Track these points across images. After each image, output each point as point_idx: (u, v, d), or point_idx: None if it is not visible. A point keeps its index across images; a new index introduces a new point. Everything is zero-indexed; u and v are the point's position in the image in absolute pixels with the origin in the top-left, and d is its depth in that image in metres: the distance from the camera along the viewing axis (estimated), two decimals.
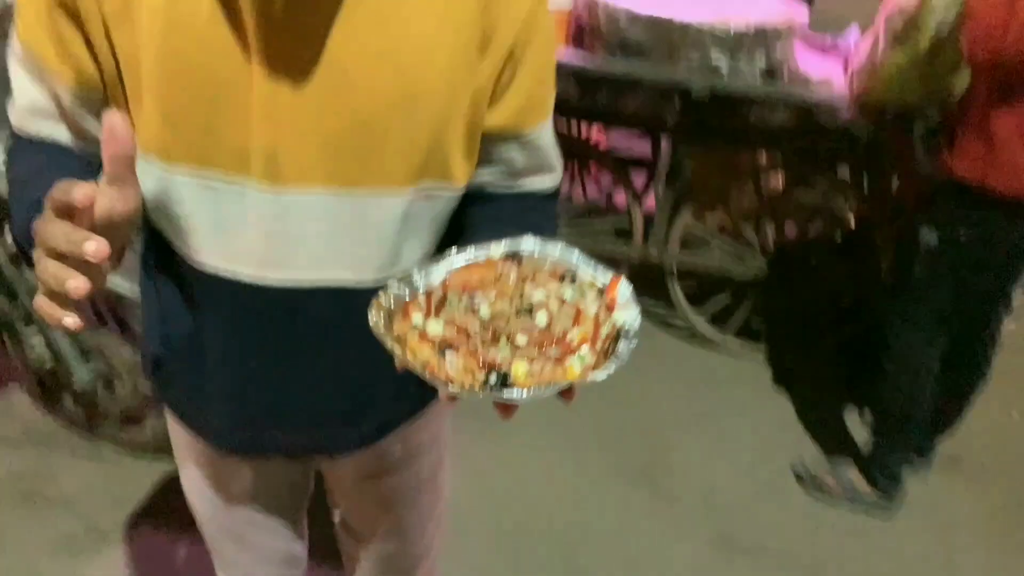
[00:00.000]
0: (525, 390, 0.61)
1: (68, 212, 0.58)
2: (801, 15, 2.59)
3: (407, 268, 0.81)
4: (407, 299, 0.70)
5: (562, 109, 2.69)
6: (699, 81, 2.46)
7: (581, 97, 2.59)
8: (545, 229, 0.83)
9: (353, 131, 0.77)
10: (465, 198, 0.89)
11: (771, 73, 2.54)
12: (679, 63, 2.50)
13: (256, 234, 0.80)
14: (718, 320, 3.04)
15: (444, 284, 0.72)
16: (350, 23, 0.74)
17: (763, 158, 2.86)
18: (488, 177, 0.89)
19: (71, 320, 0.60)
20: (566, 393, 0.63)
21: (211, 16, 0.73)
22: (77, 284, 0.57)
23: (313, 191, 0.78)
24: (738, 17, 2.43)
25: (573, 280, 0.72)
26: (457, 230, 0.90)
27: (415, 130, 0.78)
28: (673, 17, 2.46)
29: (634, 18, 2.49)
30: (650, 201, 3.45)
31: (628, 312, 0.68)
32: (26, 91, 0.81)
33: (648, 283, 3.16)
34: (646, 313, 3.17)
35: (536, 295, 0.70)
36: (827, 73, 2.63)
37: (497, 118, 0.84)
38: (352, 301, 0.81)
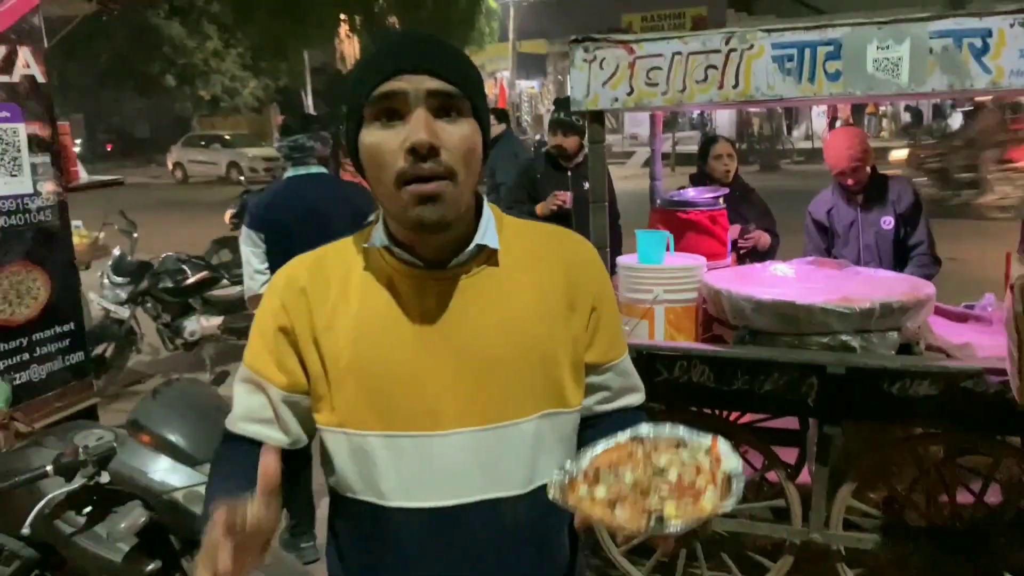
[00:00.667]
0: (679, 523, 0.87)
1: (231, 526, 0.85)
2: (929, 289, 2.65)
3: (544, 480, 1.06)
4: (571, 479, 0.96)
5: (700, 397, 2.80)
6: (833, 359, 2.51)
7: (719, 384, 2.68)
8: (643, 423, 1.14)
9: (489, 383, 1.09)
10: (582, 423, 1.21)
11: (906, 347, 2.56)
12: (809, 344, 2.57)
13: (430, 470, 1.08)
14: None
15: (593, 466, 0.97)
16: (479, 308, 1.10)
17: (917, 429, 2.76)
18: (594, 401, 1.23)
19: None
20: (705, 527, 0.92)
21: (390, 319, 1.09)
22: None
23: (466, 431, 1.08)
24: (860, 296, 2.52)
25: (685, 446, 0.96)
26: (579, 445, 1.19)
27: (532, 372, 1.11)
28: (796, 299, 2.57)
29: (758, 304, 2.62)
30: (805, 476, 3.34)
31: (732, 461, 0.93)
32: (244, 401, 1.14)
33: (817, 569, 2.98)
34: None
35: (661, 460, 0.95)
36: (967, 339, 2.62)
37: (594, 353, 1.20)
38: (505, 508, 1.11)
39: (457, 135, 1.04)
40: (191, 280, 5.64)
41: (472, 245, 1.10)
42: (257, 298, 2.95)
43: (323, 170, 3.44)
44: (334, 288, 1.12)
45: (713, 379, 2.68)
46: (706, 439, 0.97)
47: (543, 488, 1.07)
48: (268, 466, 0.90)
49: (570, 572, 1.25)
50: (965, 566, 2.65)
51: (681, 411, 2.90)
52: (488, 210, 1.15)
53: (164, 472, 2.04)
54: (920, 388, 2.46)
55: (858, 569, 2.79)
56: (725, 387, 2.68)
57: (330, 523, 1.23)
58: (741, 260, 3.72)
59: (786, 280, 2.89)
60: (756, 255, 3.90)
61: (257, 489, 0.88)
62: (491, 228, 1.12)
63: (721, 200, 3.48)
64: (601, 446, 1.00)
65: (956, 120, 25.81)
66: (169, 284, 5.60)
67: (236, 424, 1.15)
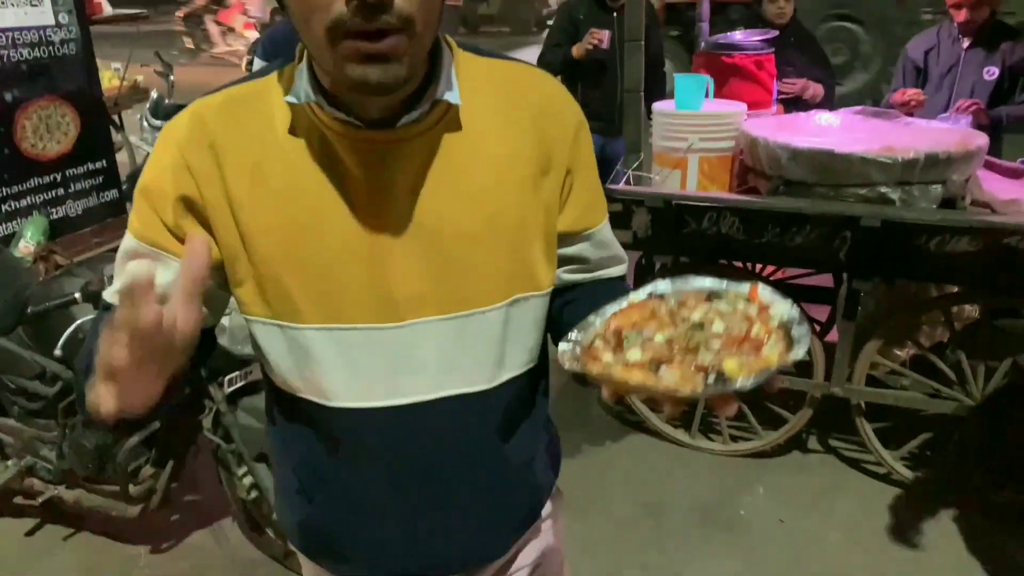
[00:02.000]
0: (746, 378, 0.69)
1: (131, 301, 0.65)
2: (980, 140, 2.48)
3: (514, 372, 0.97)
4: (585, 347, 0.80)
5: (729, 250, 2.73)
6: (868, 211, 2.40)
7: (748, 237, 2.61)
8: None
9: (451, 264, 0.90)
10: (554, 296, 1.02)
11: (950, 201, 2.44)
12: (846, 196, 2.46)
13: (383, 367, 0.92)
14: (916, 461, 2.80)
15: (608, 328, 0.80)
16: (437, 176, 0.89)
17: (952, 287, 2.68)
18: (568, 275, 1.05)
19: (107, 407, 0.69)
20: (773, 383, 0.71)
21: (327, 191, 0.87)
22: (118, 353, 0.66)
23: (425, 321, 0.91)
24: (904, 146, 2.38)
25: (719, 297, 0.80)
26: (551, 324, 1.03)
27: (499, 251, 0.92)
28: (835, 148, 2.44)
29: (795, 152, 2.50)
30: (834, 334, 3.31)
31: (782, 307, 0.78)
32: (132, 271, 0.88)
33: (837, 421, 3.01)
34: (837, 454, 3.00)
35: (695, 315, 0.78)
36: (1014, 194, 2.48)
37: (567, 221, 1.00)
38: (470, 405, 0.95)
39: None
40: None
41: (426, 102, 0.86)
42: None
43: None
44: (254, 146, 0.88)
45: (742, 231, 2.61)
46: (742, 286, 0.81)
47: (511, 381, 0.98)
48: (196, 248, 0.68)
49: (543, 469, 1.11)
50: (987, 428, 2.64)
51: (709, 264, 2.85)
52: (446, 52, 0.90)
53: None
54: (959, 244, 2.36)
55: (878, 423, 2.80)
56: (755, 240, 2.61)
57: (268, 412, 1.06)
58: (788, 111, 3.53)
59: (829, 129, 2.74)
60: (804, 106, 3.69)
61: (181, 274, 0.68)
62: (451, 77, 0.89)
63: (770, 44, 3.27)
64: (611, 309, 0.84)
65: None
66: None
67: (116, 295, 0.90)
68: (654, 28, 4.21)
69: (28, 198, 2.98)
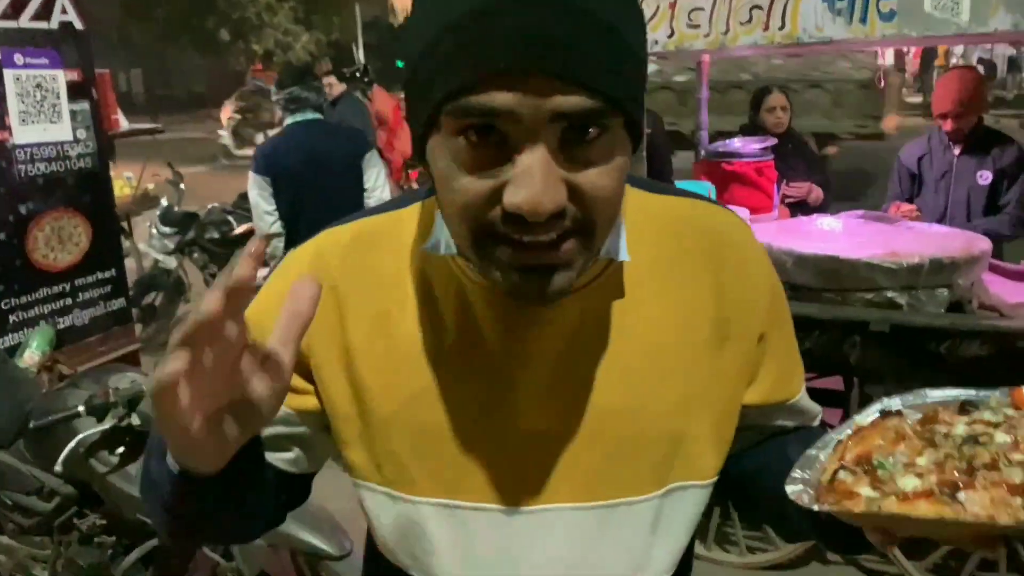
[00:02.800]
0: None
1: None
2: (984, 244, 2.51)
3: (656, 574, 0.81)
4: (827, 482, 0.65)
5: None
6: (877, 316, 2.40)
7: None
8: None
9: (596, 446, 0.76)
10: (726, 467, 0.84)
11: (957, 304, 2.44)
12: (853, 301, 2.47)
13: (503, 557, 0.78)
14: (942, 573, 2.70)
15: (850, 455, 0.66)
16: (589, 342, 0.75)
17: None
18: (750, 444, 0.87)
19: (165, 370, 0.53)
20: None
21: (459, 350, 0.75)
22: (174, 366, 0.52)
23: (557, 508, 0.77)
24: (909, 251, 2.40)
25: (976, 407, 0.66)
26: (730, 490, 0.87)
27: (658, 435, 0.77)
28: (839, 254, 2.46)
29: (800, 258, 2.52)
30: None
31: None
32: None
33: None
34: (858, 564, 2.89)
35: (958, 429, 0.64)
36: (1021, 298, 2.48)
37: (759, 392, 0.83)
38: None
39: (598, 182, 0.62)
40: (237, 231, 5.71)
41: (588, 264, 0.70)
42: (271, 237, 3.39)
43: (319, 116, 3.63)
44: (380, 293, 0.77)
45: None
46: (998, 392, 0.67)
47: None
48: (304, 287, 0.58)
49: None
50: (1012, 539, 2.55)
51: None
52: None
53: None
54: (970, 348, 2.35)
55: None
56: None
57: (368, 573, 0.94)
58: (794, 214, 3.58)
59: (832, 234, 2.76)
60: (806, 210, 3.76)
61: (282, 316, 0.58)
62: (620, 227, 0.72)
63: (769, 151, 3.35)
64: (833, 437, 0.70)
65: None
66: (215, 235, 5.67)
67: None
68: (664, 142, 4.36)
69: (37, 308, 3.00)
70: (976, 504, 0.57)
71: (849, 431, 0.70)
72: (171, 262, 5.59)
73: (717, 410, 0.79)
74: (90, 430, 2.13)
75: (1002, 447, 0.61)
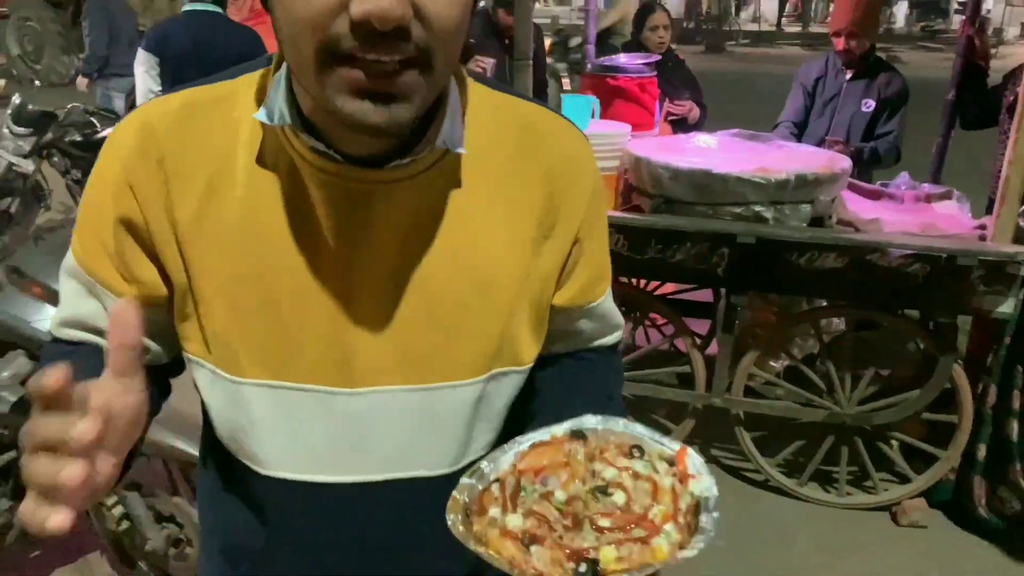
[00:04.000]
0: None
1: (54, 403, 0.52)
2: (845, 163, 2.65)
3: (478, 454, 0.82)
4: (480, 491, 0.69)
5: (614, 266, 2.79)
6: (744, 229, 2.52)
7: (632, 253, 2.68)
8: (613, 382, 0.91)
9: (430, 331, 0.77)
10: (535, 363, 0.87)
11: (818, 220, 2.58)
12: (723, 215, 2.57)
13: (329, 438, 0.79)
14: (792, 468, 2.95)
15: (515, 470, 0.70)
16: (423, 227, 0.76)
17: (821, 302, 2.84)
18: (559, 347, 0.89)
19: (60, 518, 0.51)
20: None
21: (290, 229, 0.74)
22: (71, 472, 0.51)
23: (386, 390, 0.78)
24: (777, 168, 2.51)
25: (641, 454, 0.70)
26: (523, 398, 0.88)
27: (487, 323, 0.79)
28: (712, 168, 2.55)
29: (675, 172, 2.59)
30: (714, 347, 3.44)
31: (703, 482, 0.66)
32: (72, 303, 0.79)
33: (716, 431, 3.13)
34: (718, 462, 3.11)
35: (608, 472, 0.68)
36: (875, 214, 2.65)
37: (565, 296, 0.85)
38: (425, 491, 0.80)
39: (443, 9, 0.63)
40: (102, 134, 5.32)
41: (424, 146, 0.72)
42: None
43: (218, 9, 3.70)
44: (208, 167, 0.74)
45: (627, 247, 2.68)
46: (671, 446, 0.70)
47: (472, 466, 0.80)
48: (123, 314, 0.57)
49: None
50: (852, 433, 2.80)
51: None
52: (454, 84, 0.75)
53: (48, 321, 1.94)
54: (826, 261, 2.51)
55: (755, 432, 2.92)
56: (639, 255, 2.68)
57: (202, 456, 0.93)
58: (675, 131, 3.66)
59: (707, 150, 2.85)
60: (685, 127, 3.85)
61: (110, 348, 0.57)
62: (458, 119, 0.74)
63: (652, 68, 3.39)
64: (529, 440, 0.73)
65: (902, 10, 25.76)
66: (78, 137, 5.26)
67: (61, 329, 0.80)
68: (541, 53, 4.32)
69: None
70: (538, 560, 0.61)
71: (545, 437, 0.73)
72: (28, 165, 5.16)
73: (535, 302, 0.82)
74: None
75: (609, 504, 0.65)
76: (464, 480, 0.70)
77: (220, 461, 0.86)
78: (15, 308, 1.95)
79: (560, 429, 0.73)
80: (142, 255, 0.76)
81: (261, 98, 0.75)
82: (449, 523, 0.64)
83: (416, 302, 0.77)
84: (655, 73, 3.37)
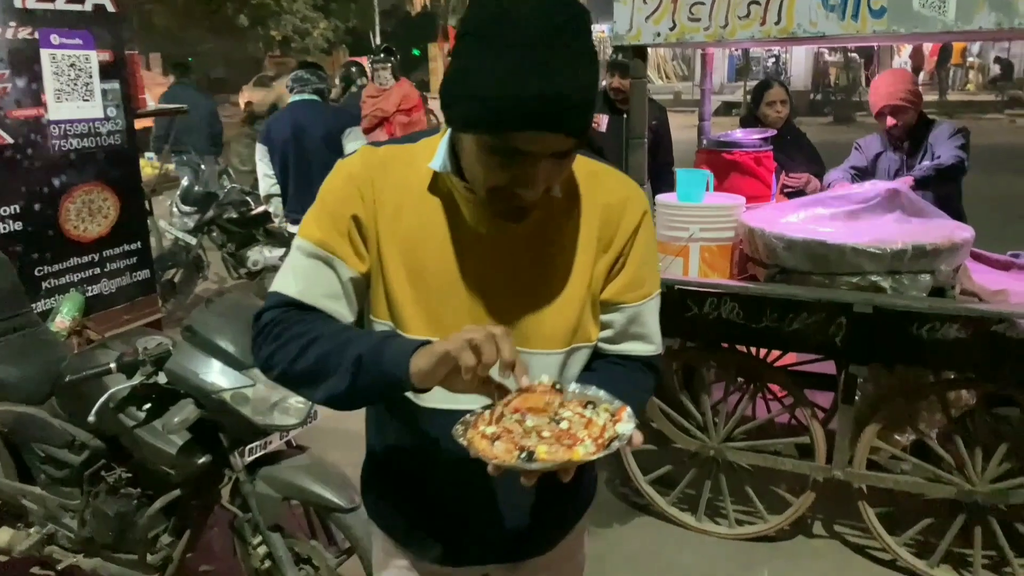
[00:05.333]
0: (544, 464, 0.95)
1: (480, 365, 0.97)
2: (966, 233, 2.62)
3: None
4: (478, 414, 1.04)
5: (730, 334, 2.85)
6: (860, 298, 2.52)
7: (747, 321, 2.72)
8: (634, 383, 1.23)
9: (533, 310, 1.16)
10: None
11: (940, 290, 2.56)
12: (840, 285, 2.59)
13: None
14: (921, 548, 2.83)
15: (505, 404, 1.04)
16: (533, 243, 1.16)
17: (948, 374, 2.77)
18: (600, 335, 1.25)
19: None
20: (566, 472, 0.97)
21: (448, 238, 1.15)
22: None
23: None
24: (893, 238, 2.52)
25: (594, 407, 1.05)
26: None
27: (569, 308, 1.18)
28: (827, 239, 2.59)
29: (790, 242, 2.65)
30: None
31: (626, 426, 1.01)
32: (309, 276, 1.16)
33: (839, 507, 3.05)
34: (842, 539, 3.02)
35: (565, 413, 1.03)
36: (1003, 285, 2.60)
37: (608, 292, 1.22)
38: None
39: (563, 173, 1.09)
40: (255, 212, 5.86)
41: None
42: (270, 197, 4.47)
43: (316, 98, 4.54)
44: (398, 191, 1.15)
45: (742, 316, 2.73)
46: (616, 404, 1.06)
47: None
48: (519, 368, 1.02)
49: (589, 481, 1.40)
50: (986, 512, 2.68)
51: (714, 348, 2.97)
52: None
53: (214, 374, 2.21)
54: (949, 332, 2.47)
55: (881, 509, 2.84)
56: (753, 324, 2.73)
57: (368, 418, 1.33)
58: None
59: (819, 218, 2.88)
60: None
61: (501, 364, 0.99)
62: None
63: (768, 142, 3.47)
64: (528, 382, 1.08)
65: None
66: (234, 215, 5.82)
67: (305, 295, 1.16)
68: (666, 132, 4.48)
69: (67, 276, 3.17)
70: (498, 450, 0.98)
71: (534, 383, 1.07)
72: (191, 240, 5.75)
73: (594, 296, 1.20)
74: (120, 385, 2.29)
75: (557, 428, 1.01)
76: (474, 409, 1.06)
77: (388, 409, 1.25)
78: (188, 363, 2.22)
79: (547, 379, 1.08)
80: (361, 242, 1.16)
81: (432, 152, 1.16)
82: (452, 431, 1.02)
83: (525, 290, 1.16)
84: (771, 147, 3.44)
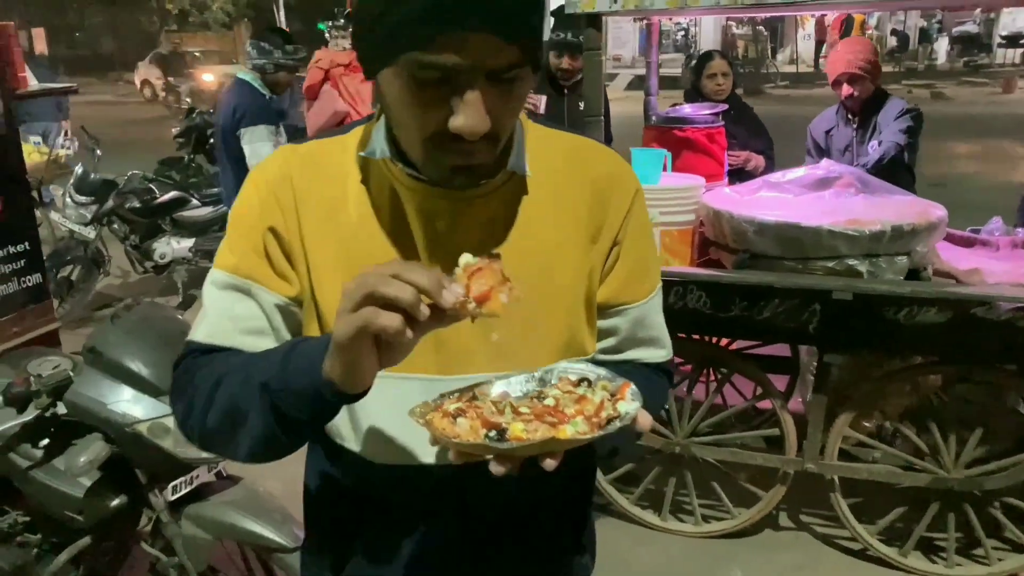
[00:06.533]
0: (515, 444, 0.74)
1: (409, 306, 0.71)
2: (940, 212, 2.51)
3: None
4: (444, 396, 0.85)
5: (695, 324, 2.68)
6: (840, 284, 2.38)
7: (715, 311, 2.55)
8: (646, 381, 0.95)
9: (504, 324, 0.86)
10: None
11: (914, 272, 2.44)
12: (813, 269, 2.44)
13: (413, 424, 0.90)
14: (891, 535, 2.75)
15: (476, 388, 0.86)
16: (498, 234, 0.93)
17: (917, 357, 2.67)
18: (602, 346, 1.03)
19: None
20: (553, 457, 0.77)
21: (391, 240, 0.92)
22: (425, 311, 0.71)
23: (475, 376, 0.90)
24: (870, 219, 2.38)
25: (589, 384, 0.85)
26: None
27: (552, 314, 0.94)
28: (802, 222, 2.43)
29: (762, 226, 2.48)
30: (795, 403, 3.27)
31: (631, 405, 0.81)
32: (228, 310, 0.93)
33: (809, 497, 2.94)
34: (811, 530, 2.92)
35: (553, 392, 0.84)
36: (974, 264, 2.50)
37: (605, 292, 1.00)
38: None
39: (513, 104, 0.85)
40: (160, 200, 5.39)
41: (497, 172, 0.92)
42: None
43: (246, 77, 4.09)
44: (328, 189, 0.94)
45: (710, 305, 2.55)
46: (617, 381, 0.85)
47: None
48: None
49: (590, 542, 1.14)
50: (960, 498, 2.60)
51: (674, 338, 2.79)
52: (519, 127, 0.94)
53: (126, 403, 1.88)
54: (928, 315, 2.35)
55: (852, 499, 2.74)
56: (722, 313, 2.56)
57: (308, 462, 1.06)
58: (731, 182, 3.55)
59: (786, 201, 2.73)
60: (746, 177, 3.73)
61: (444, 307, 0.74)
62: (522, 150, 0.93)
63: (720, 117, 3.30)
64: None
65: (942, 46, 25.56)
66: (137, 204, 5.34)
67: (216, 336, 0.93)
68: (606, 103, 4.24)
69: None
70: (460, 428, 0.78)
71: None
72: (89, 232, 5.24)
73: (588, 299, 0.98)
74: (9, 422, 1.94)
75: (534, 406, 0.81)
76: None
77: (330, 457, 1.00)
78: (93, 390, 1.89)
79: (539, 371, 0.89)
80: (284, 259, 0.93)
81: (365, 141, 0.95)
82: (409, 411, 0.81)
83: None
84: (723, 123, 3.28)
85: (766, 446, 2.97)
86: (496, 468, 0.76)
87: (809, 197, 2.68)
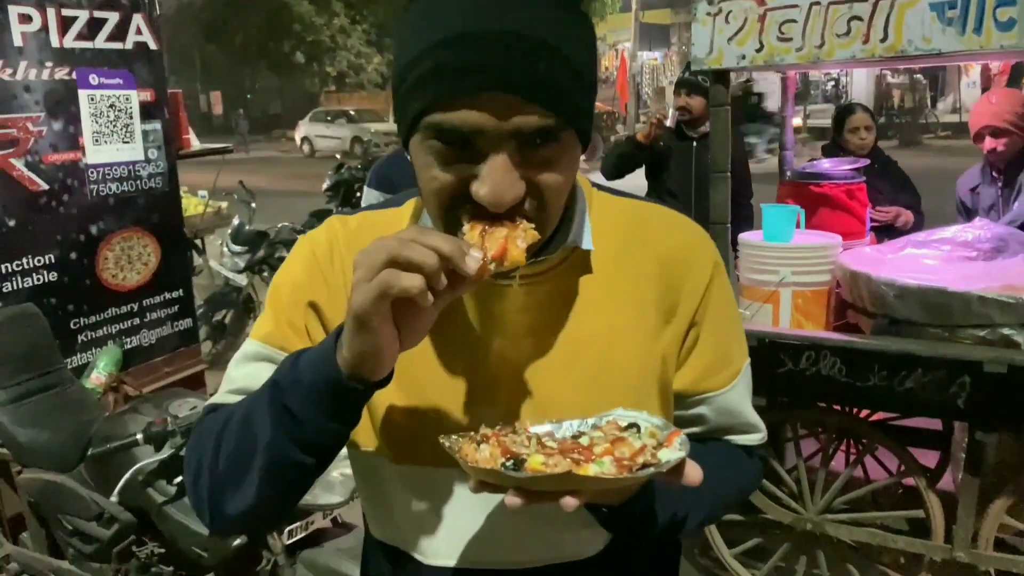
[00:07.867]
0: (537, 474, 0.69)
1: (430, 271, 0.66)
2: None
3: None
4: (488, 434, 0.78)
5: (828, 393, 2.51)
6: (992, 355, 2.17)
7: (851, 380, 2.39)
8: (727, 457, 0.93)
9: (559, 414, 0.81)
10: None
11: None
12: (962, 338, 2.24)
13: (477, 521, 0.86)
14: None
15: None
16: (555, 319, 0.85)
17: None
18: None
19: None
20: (574, 495, 0.68)
21: (439, 324, 0.78)
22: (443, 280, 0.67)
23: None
24: None
25: (638, 430, 0.77)
26: None
27: (614, 403, 0.81)
28: (948, 287, 2.24)
29: (903, 290, 2.31)
30: (945, 481, 2.99)
31: (674, 454, 0.73)
32: (252, 376, 0.86)
33: None
34: None
35: (593, 434, 0.77)
36: None
37: (683, 380, 0.91)
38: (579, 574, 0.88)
39: (550, 178, 0.75)
40: None
41: (554, 249, 0.83)
42: None
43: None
44: None
45: (845, 373, 2.39)
46: (669, 430, 0.77)
47: (620, 549, 0.89)
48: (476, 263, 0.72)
49: None
50: None
51: (805, 408, 2.63)
52: (580, 193, 0.86)
53: None
54: None
55: None
56: (859, 383, 2.38)
57: (365, 545, 1.01)
58: (879, 239, 3.35)
59: (933, 264, 2.54)
60: (895, 234, 3.51)
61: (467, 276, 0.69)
62: (584, 221, 0.85)
63: (860, 173, 3.13)
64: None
65: None
66: (285, 253, 5.69)
67: (228, 397, 0.88)
68: (743, 162, 4.13)
69: (105, 328, 2.99)
70: (481, 455, 0.72)
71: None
72: (241, 280, 5.62)
73: (660, 386, 0.88)
74: (148, 459, 2.07)
75: (565, 442, 0.76)
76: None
77: (377, 556, 0.95)
78: None
79: (595, 417, 0.80)
80: (324, 334, 0.86)
81: (417, 215, 0.90)
82: (440, 439, 0.75)
83: (549, 384, 0.85)
84: (864, 179, 3.11)
85: (909, 528, 2.71)
86: (511, 500, 0.68)
87: (958, 258, 2.48)
